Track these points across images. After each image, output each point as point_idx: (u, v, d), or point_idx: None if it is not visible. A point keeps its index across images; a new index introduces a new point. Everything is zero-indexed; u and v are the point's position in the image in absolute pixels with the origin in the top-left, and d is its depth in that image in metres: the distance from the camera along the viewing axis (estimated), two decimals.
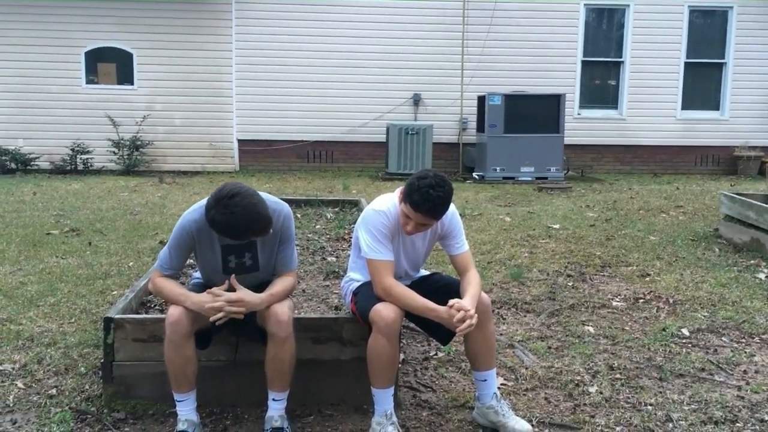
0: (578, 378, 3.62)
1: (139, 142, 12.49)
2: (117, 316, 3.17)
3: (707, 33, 13.73)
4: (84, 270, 5.46)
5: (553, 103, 12.00)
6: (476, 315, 2.82)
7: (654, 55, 13.43)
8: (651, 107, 13.55)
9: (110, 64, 12.78)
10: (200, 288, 3.03)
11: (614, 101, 13.75)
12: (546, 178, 11.87)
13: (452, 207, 3.08)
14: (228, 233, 2.77)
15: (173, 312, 2.82)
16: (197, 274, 3.24)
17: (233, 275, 2.88)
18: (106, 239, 6.62)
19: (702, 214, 8.44)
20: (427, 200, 2.82)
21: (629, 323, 4.51)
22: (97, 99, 12.64)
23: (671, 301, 4.95)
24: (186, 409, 2.92)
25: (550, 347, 4.07)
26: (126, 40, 12.63)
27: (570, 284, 5.35)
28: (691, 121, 13.73)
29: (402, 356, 3.82)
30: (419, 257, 3.22)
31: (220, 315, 2.77)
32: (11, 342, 3.92)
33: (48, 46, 12.44)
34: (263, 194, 3.02)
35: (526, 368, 3.75)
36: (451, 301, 2.84)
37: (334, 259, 5.15)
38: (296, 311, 3.95)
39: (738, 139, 13.69)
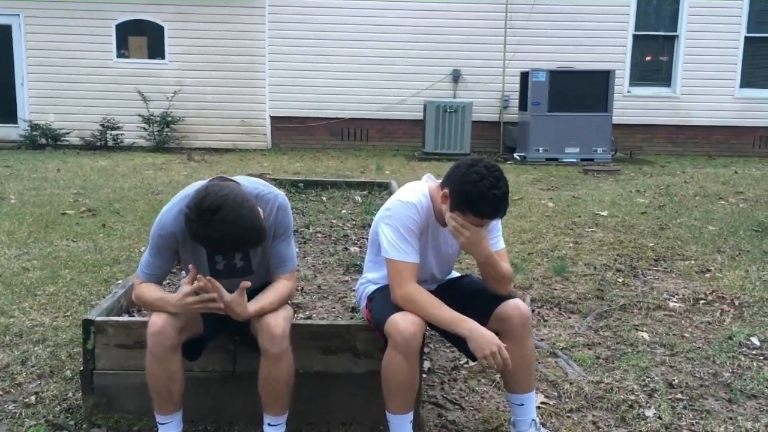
0: (632, 397, 3.10)
1: (169, 118, 12.19)
2: (98, 318, 2.76)
3: None
4: (92, 255, 5.10)
5: (602, 79, 11.29)
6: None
7: (711, 29, 12.59)
8: (707, 85, 12.73)
9: (141, 38, 12.47)
10: None
11: (667, 78, 12.96)
12: (592, 159, 11.21)
13: None
14: (213, 249, 2.33)
15: (155, 320, 2.39)
16: (186, 279, 2.80)
17: (246, 284, 2.38)
18: (121, 220, 6.28)
19: (765, 201, 7.75)
20: (499, 205, 2.37)
21: (689, 329, 3.96)
22: (128, 74, 12.36)
23: (737, 302, 4.37)
24: None
25: (598, 357, 3.55)
26: (157, 12, 12.29)
27: (620, 280, 4.80)
28: (750, 99, 12.87)
29: (427, 365, 3.36)
30: (450, 258, 2.74)
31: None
32: None
33: (79, 19, 12.18)
34: (251, 181, 2.57)
35: (571, 383, 3.25)
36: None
37: (357, 249, 4.69)
38: (307, 312, 3.51)
39: None
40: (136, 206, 6.93)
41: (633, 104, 12.74)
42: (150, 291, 2.46)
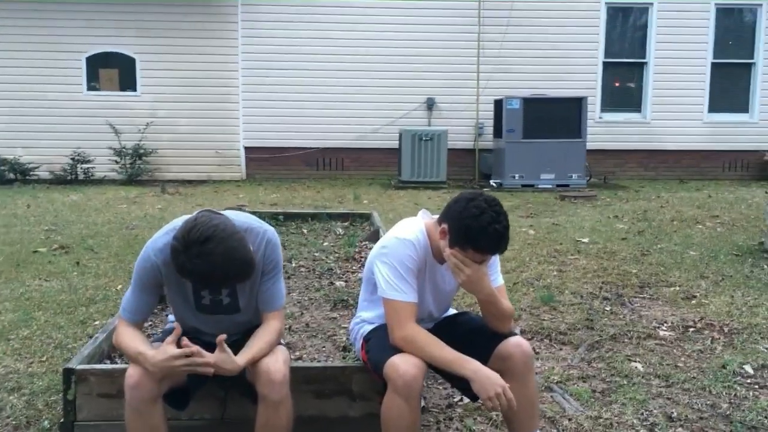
0: None
1: (141, 151, 12.01)
2: (79, 367, 2.62)
3: (735, 32, 13.11)
4: (66, 295, 4.92)
5: (575, 106, 11.41)
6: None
7: (679, 56, 12.82)
8: (676, 110, 12.93)
9: (112, 70, 12.32)
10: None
11: (638, 104, 13.14)
12: (567, 185, 11.27)
13: None
14: (200, 282, 2.23)
15: (132, 372, 2.27)
16: (172, 317, 2.69)
17: (222, 337, 2.27)
18: (96, 257, 6.10)
19: (741, 225, 7.82)
20: (497, 238, 2.32)
21: (682, 358, 3.91)
22: (99, 106, 12.18)
23: (726, 329, 4.35)
24: None
25: (594, 390, 3.48)
26: (128, 44, 12.17)
27: (608, 309, 4.76)
28: (718, 124, 13.09)
29: (422, 403, 3.26)
30: (448, 296, 2.66)
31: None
32: None
33: (48, 51, 12.01)
34: (239, 215, 2.47)
35: (569, 419, 3.17)
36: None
37: (343, 284, 4.59)
38: (296, 353, 3.40)
39: None
40: (110, 242, 6.75)
41: (605, 130, 12.87)
42: (129, 339, 2.33)
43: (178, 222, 2.39)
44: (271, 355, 2.37)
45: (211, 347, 2.36)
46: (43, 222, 7.81)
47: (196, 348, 2.21)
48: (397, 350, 2.36)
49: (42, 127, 12.10)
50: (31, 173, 11.83)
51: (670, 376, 3.65)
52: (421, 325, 2.55)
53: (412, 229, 2.48)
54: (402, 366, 2.28)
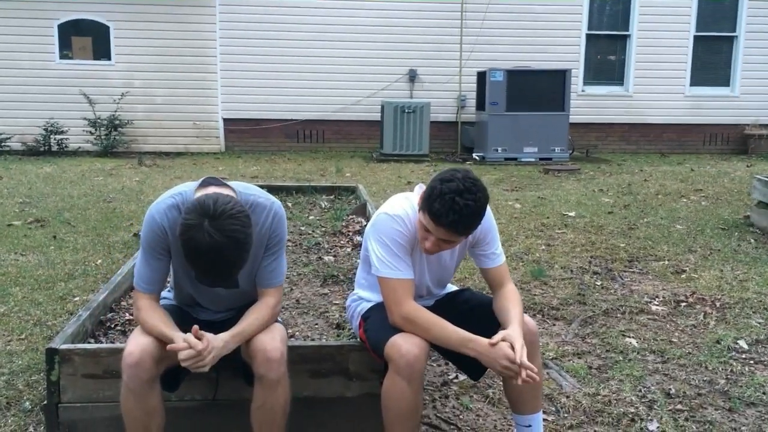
0: (632, 410, 2.99)
1: (117, 122, 11.72)
2: (63, 347, 2.49)
3: (717, 5, 13.02)
4: (44, 270, 4.76)
5: (558, 79, 11.31)
6: (526, 353, 2.16)
7: (662, 28, 12.75)
8: (658, 83, 12.88)
9: (85, 38, 11.94)
10: (170, 312, 2.36)
11: (620, 77, 13.08)
12: (550, 159, 11.21)
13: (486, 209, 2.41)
14: (189, 255, 2.06)
15: (132, 349, 2.14)
16: (166, 293, 2.56)
17: (195, 327, 2.14)
18: (73, 231, 5.92)
19: (725, 199, 7.83)
20: (452, 211, 2.13)
21: (676, 333, 3.88)
22: (72, 75, 11.83)
23: (718, 304, 4.33)
24: None
25: (590, 367, 3.43)
26: (101, 11, 11.80)
27: (599, 283, 4.71)
28: (699, 97, 13.08)
29: None
30: (446, 272, 2.56)
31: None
32: None
33: (18, 18, 11.60)
34: (247, 187, 2.35)
35: (567, 397, 3.11)
36: (497, 336, 2.18)
37: (332, 258, 4.48)
38: (288, 331, 3.29)
39: (749, 117, 13.07)
40: (87, 215, 6.56)
41: (587, 103, 12.81)
42: (156, 320, 2.21)
43: (182, 188, 2.29)
44: (267, 332, 2.26)
45: (204, 326, 2.25)
46: (16, 195, 7.58)
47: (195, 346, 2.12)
48: (398, 330, 2.26)
49: (13, 96, 11.74)
50: (3, 144, 11.49)
51: (665, 351, 3.61)
52: (420, 302, 2.46)
53: (401, 204, 2.37)
54: (404, 346, 2.19)
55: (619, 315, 4.15)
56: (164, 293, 2.55)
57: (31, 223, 6.20)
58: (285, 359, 2.24)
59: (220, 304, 2.46)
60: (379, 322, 2.36)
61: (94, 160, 10.95)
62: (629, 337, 3.81)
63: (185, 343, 2.08)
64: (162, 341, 2.17)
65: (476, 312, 2.47)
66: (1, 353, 3.39)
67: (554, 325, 4.01)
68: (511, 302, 2.36)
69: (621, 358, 3.53)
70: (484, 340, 2.20)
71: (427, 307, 2.44)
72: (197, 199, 2.06)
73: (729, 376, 3.33)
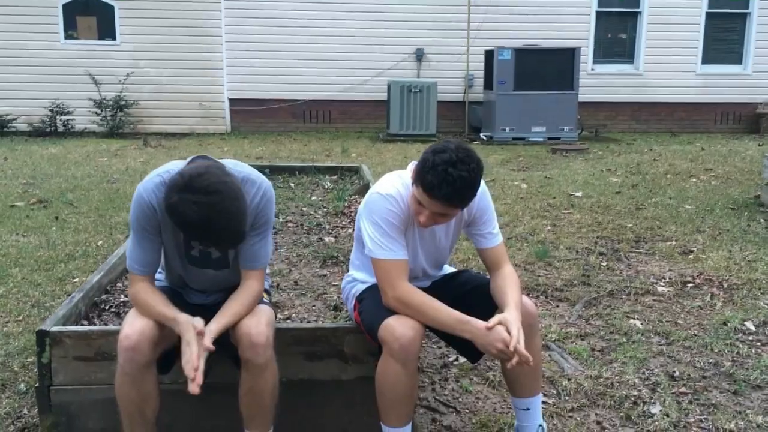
0: (635, 393, 2.93)
1: (122, 102, 11.66)
2: (54, 329, 2.45)
3: None
4: (45, 251, 4.74)
5: (567, 57, 11.15)
6: (523, 338, 2.10)
7: (673, 5, 12.54)
8: (669, 62, 12.70)
9: (90, 18, 11.87)
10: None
11: (630, 55, 12.89)
12: (559, 138, 11.08)
13: (482, 185, 2.35)
14: (186, 230, 2.05)
15: (129, 332, 2.09)
16: (160, 275, 2.51)
17: (201, 327, 2.11)
18: (76, 212, 5.89)
19: (736, 178, 7.71)
20: (445, 182, 2.06)
21: (681, 315, 3.81)
22: (77, 56, 11.76)
23: (725, 285, 4.25)
24: None
25: (593, 349, 3.37)
26: None
27: (604, 264, 4.64)
28: (711, 76, 12.89)
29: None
30: (442, 252, 2.49)
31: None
32: None
33: None
34: (237, 164, 2.29)
35: (569, 379, 3.06)
36: (493, 320, 2.12)
37: (333, 239, 4.43)
38: (285, 312, 3.25)
39: (761, 96, 12.86)
40: (90, 196, 6.53)
41: (597, 82, 12.64)
42: (155, 302, 2.16)
43: (170, 165, 2.22)
44: (252, 316, 2.20)
45: (196, 309, 2.21)
46: (20, 175, 7.56)
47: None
48: (392, 312, 2.21)
49: (18, 77, 11.70)
50: (9, 125, 11.48)
51: (670, 333, 3.55)
52: (416, 284, 2.40)
53: (393, 182, 2.30)
54: (398, 329, 2.14)
55: (624, 296, 4.08)
56: (157, 275, 2.50)
57: (33, 204, 6.18)
58: (271, 343, 2.19)
59: (210, 286, 2.41)
60: (374, 305, 2.30)
61: (99, 140, 10.93)
62: (634, 318, 3.75)
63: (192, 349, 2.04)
64: (159, 324, 2.13)
65: (474, 294, 2.41)
66: None
67: (558, 306, 3.95)
68: (508, 284, 2.30)
69: (625, 340, 3.47)
70: (480, 323, 2.14)
71: (424, 289, 2.38)
72: (169, 180, 2.02)
73: (735, 359, 3.27)
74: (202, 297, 2.44)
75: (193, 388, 2.00)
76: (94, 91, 11.62)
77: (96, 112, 11.60)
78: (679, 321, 3.72)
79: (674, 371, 3.13)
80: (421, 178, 2.11)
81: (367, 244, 2.27)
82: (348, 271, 2.70)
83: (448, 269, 2.64)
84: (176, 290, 2.44)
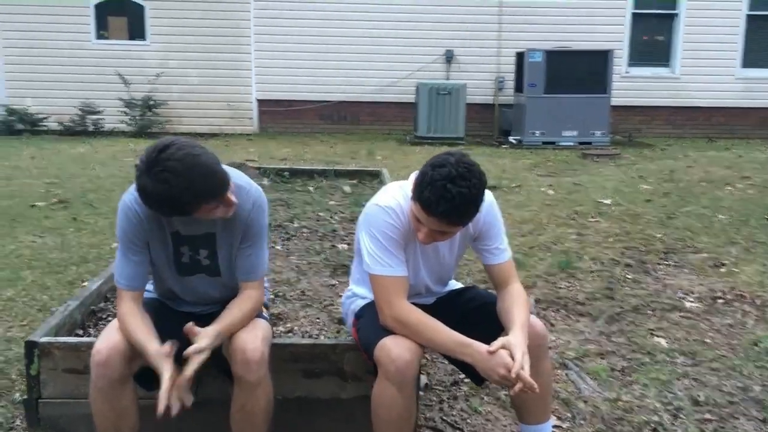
0: (655, 419, 2.75)
1: (152, 102, 11.71)
2: (43, 340, 2.38)
3: None
4: (58, 253, 4.70)
5: (600, 60, 10.89)
6: (528, 363, 1.95)
7: (712, 7, 12.19)
8: (707, 65, 12.34)
9: (121, 18, 11.95)
10: (151, 305, 2.22)
11: (666, 58, 12.56)
12: (590, 143, 10.83)
13: (488, 196, 2.20)
14: (164, 204, 1.92)
15: (100, 347, 2.01)
16: (150, 285, 2.42)
17: (191, 324, 2.00)
18: (94, 213, 5.87)
19: None
20: (443, 199, 1.92)
21: (710, 333, 3.61)
22: (108, 55, 11.85)
23: (758, 302, 4.03)
24: None
25: (613, 369, 3.20)
26: None
27: (630, 277, 4.45)
28: (751, 80, 12.49)
29: (424, 380, 3.00)
30: (446, 267, 2.35)
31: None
32: None
33: None
34: (229, 170, 2.18)
35: (585, 401, 2.89)
36: (496, 344, 1.98)
37: (346, 247, 4.31)
38: (288, 324, 3.13)
39: None
40: (111, 197, 6.50)
41: (631, 85, 12.34)
42: (134, 324, 2.05)
43: None
44: (248, 330, 2.10)
45: (184, 318, 2.10)
46: (45, 175, 7.59)
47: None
48: (390, 331, 2.08)
49: (51, 77, 11.83)
50: (41, 124, 11.60)
51: (696, 353, 3.35)
52: (420, 300, 2.27)
53: (394, 193, 2.17)
54: (394, 350, 2.00)
55: (649, 312, 3.89)
56: (149, 285, 2.41)
57: (54, 204, 6.17)
58: (266, 360, 2.08)
59: (201, 298, 2.31)
60: (372, 322, 2.17)
61: (128, 140, 10.98)
62: (659, 336, 3.56)
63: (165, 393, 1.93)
64: None
65: (480, 312, 2.27)
66: (0, 340, 3.31)
67: (578, 321, 3.77)
68: (515, 303, 2.15)
69: (648, 360, 3.28)
70: (483, 347, 1.99)
71: (428, 306, 2.25)
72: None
73: (766, 383, 3.06)
74: (192, 306, 2.34)
75: (159, 412, 1.90)
76: (124, 91, 11.69)
77: (125, 112, 11.66)
78: (707, 340, 3.52)
79: (699, 395, 2.94)
80: (418, 193, 1.97)
81: (365, 259, 2.14)
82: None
83: (455, 285, 2.50)
84: (165, 302, 2.34)
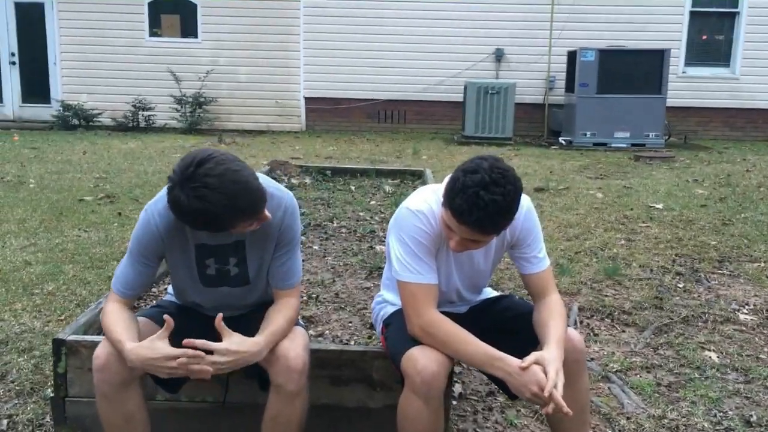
0: None
1: (202, 99, 11.86)
2: (70, 338, 2.36)
3: None
4: (101, 248, 4.74)
5: (655, 59, 10.56)
6: (562, 380, 1.84)
7: None
8: None
9: (174, 16, 12.13)
10: (172, 311, 2.18)
11: (726, 58, 12.12)
12: (644, 144, 10.52)
13: (526, 202, 2.10)
14: (200, 220, 1.85)
15: (99, 352, 1.97)
16: (171, 290, 2.38)
17: (220, 316, 1.94)
18: (139, 208, 5.92)
19: None
20: (475, 207, 1.81)
21: (765, 348, 3.41)
22: (160, 53, 12.05)
23: None
24: None
25: (659, 384, 3.04)
26: None
27: (680, 286, 4.25)
28: None
29: (459, 389, 2.90)
30: (481, 275, 2.25)
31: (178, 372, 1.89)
32: None
33: None
34: (260, 175, 2.12)
35: (628, 418, 2.75)
36: (529, 359, 1.87)
37: (383, 248, 4.22)
38: (319, 328, 3.07)
39: None
40: (156, 193, 6.56)
41: (688, 86, 11.96)
42: (113, 322, 1.99)
43: None
44: (289, 339, 2.04)
45: (210, 323, 2.05)
46: (95, 170, 7.73)
47: (194, 352, 1.87)
48: (418, 341, 1.99)
49: (105, 73, 12.08)
50: (95, 119, 11.86)
51: (750, 369, 3.16)
52: (452, 309, 2.18)
53: (426, 197, 2.07)
54: (421, 361, 1.91)
55: (700, 323, 3.70)
56: (170, 288, 2.37)
57: (101, 198, 6.26)
58: (307, 369, 2.01)
59: (228, 307, 2.25)
60: (399, 331, 2.09)
61: (177, 136, 11.12)
62: (709, 350, 3.38)
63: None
64: (138, 341, 1.97)
65: (515, 323, 2.16)
66: (37, 334, 3.34)
67: (624, 332, 3.61)
68: (552, 316, 2.03)
69: (697, 375, 3.11)
70: (515, 361, 1.89)
71: (460, 315, 2.16)
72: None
73: None
74: (217, 313, 2.29)
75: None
76: (175, 88, 11.86)
77: (176, 109, 11.83)
78: (762, 356, 3.33)
79: (751, 415, 2.77)
80: (449, 200, 1.87)
81: (393, 265, 2.06)
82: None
83: (490, 293, 2.39)
84: (188, 307, 2.29)
